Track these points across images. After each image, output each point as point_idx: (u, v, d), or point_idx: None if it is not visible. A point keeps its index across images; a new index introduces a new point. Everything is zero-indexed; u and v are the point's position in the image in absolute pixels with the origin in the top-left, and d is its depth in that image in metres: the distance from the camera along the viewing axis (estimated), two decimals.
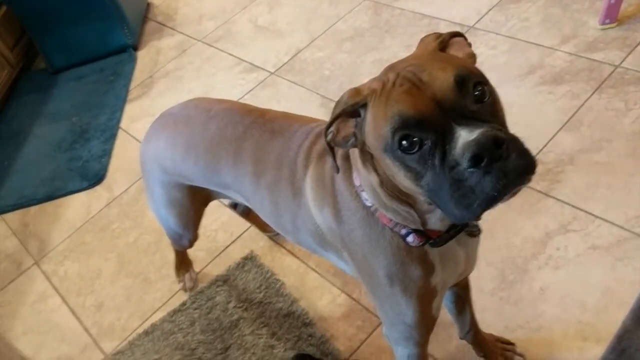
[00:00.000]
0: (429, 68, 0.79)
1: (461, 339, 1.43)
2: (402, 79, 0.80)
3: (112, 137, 2.65)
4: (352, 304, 1.69)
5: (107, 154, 2.57)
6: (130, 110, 2.80)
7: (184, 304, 1.83)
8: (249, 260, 1.89)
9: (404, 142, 0.77)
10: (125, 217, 2.23)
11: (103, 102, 2.91)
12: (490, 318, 1.51)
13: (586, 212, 1.67)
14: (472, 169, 0.73)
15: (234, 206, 1.89)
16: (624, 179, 1.71)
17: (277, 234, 1.90)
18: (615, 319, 1.42)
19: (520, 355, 1.43)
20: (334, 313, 1.68)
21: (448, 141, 0.75)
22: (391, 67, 0.85)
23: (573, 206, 1.69)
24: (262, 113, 1.28)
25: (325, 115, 2.29)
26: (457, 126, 0.75)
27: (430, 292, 1.04)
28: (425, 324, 1.11)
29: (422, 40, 0.91)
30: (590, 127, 1.88)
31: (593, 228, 1.63)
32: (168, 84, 2.88)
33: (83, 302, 1.98)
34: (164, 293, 1.91)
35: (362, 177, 0.95)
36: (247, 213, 1.90)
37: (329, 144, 0.90)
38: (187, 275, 1.89)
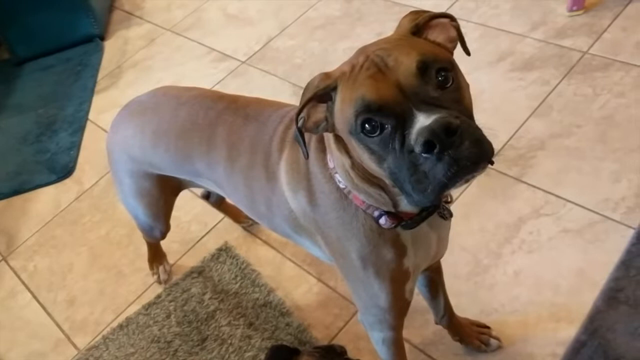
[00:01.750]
0: (395, 52, 0.81)
1: (436, 324, 1.44)
2: (370, 62, 0.81)
3: (80, 129, 2.60)
4: (329, 293, 1.69)
5: (75, 146, 2.51)
6: (99, 102, 2.74)
7: (159, 296, 1.81)
8: (224, 251, 1.87)
9: (366, 126, 0.79)
10: (96, 210, 2.19)
11: (70, 93, 2.85)
12: (466, 302, 1.53)
13: (557, 196, 1.69)
14: (425, 155, 0.74)
15: (207, 196, 1.87)
16: (594, 163, 1.74)
17: (252, 224, 1.89)
18: (587, 300, 1.45)
19: (496, 338, 1.45)
20: (311, 302, 1.68)
21: (407, 126, 0.76)
22: (363, 50, 0.86)
23: (545, 191, 1.72)
24: (235, 99, 1.27)
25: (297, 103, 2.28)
26: (417, 111, 0.76)
27: (403, 275, 1.05)
28: (399, 306, 1.12)
29: (402, 18, 0.91)
30: (561, 113, 1.91)
31: (564, 212, 1.65)
32: (137, 74, 2.82)
33: (54, 298, 1.94)
34: (138, 286, 1.88)
35: (335, 158, 0.95)
36: (219, 203, 1.88)
37: (299, 129, 0.90)
38: (160, 268, 1.87)
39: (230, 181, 1.23)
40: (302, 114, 0.89)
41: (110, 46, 3.10)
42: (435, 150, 0.73)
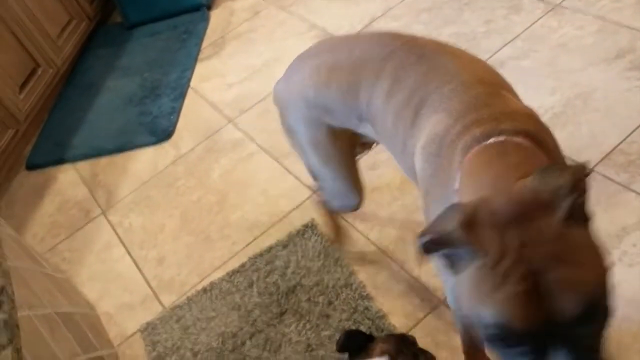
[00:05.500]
0: (560, 272, 0.66)
1: None
2: (526, 270, 0.66)
3: (181, 95, 2.69)
4: (412, 282, 1.66)
5: (175, 111, 2.60)
6: (201, 70, 2.82)
7: (243, 265, 1.85)
8: (310, 228, 1.88)
9: (495, 339, 0.70)
10: (191, 176, 2.26)
11: (174, 59, 2.95)
12: None
13: None
14: None
15: None
16: None
17: None
18: None
19: None
20: (392, 289, 1.67)
21: (541, 354, 0.67)
22: (518, 220, 0.69)
23: None
24: (414, 38, 1.20)
25: None
26: (558, 344, 0.66)
27: None
28: None
29: (534, 176, 0.73)
30: None
31: None
32: (239, 45, 2.87)
33: (146, 255, 2.03)
34: (223, 253, 1.93)
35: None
36: None
37: (423, 247, 0.76)
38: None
39: (382, 115, 1.17)
40: (427, 237, 0.75)
41: (215, 16, 3.18)
42: None
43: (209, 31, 3.07)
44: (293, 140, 1.46)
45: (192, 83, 2.75)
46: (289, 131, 1.45)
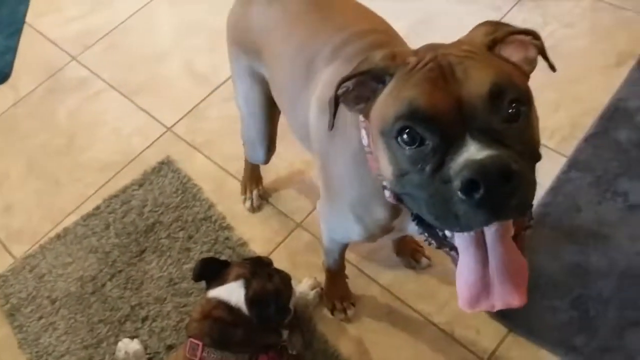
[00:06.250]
0: (468, 64, 0.69)
1: None
2: (435, 64, 0.70)
3: (16, 32, 2.45)
4: (269, 208, 1.71)
5: (11, 50, 2.38)
6: (37, 3, 2.58)
7: (97, 207, 1.79)
8: (165, 164, 1.85)
9: (404, 135, 0.69)
10: (33, 118, 2.11)
11: None
12: None
13: None
14: (462, 196, 0.62)
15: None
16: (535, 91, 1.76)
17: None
18: None
19: (427, 257, 1.50)
20: (251, 217, 1.70)
21: (452, 151, 0.65)
22: (431, 47, 0.75)
23: None
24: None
25: None
26: (470, 139, 0.65)
27: (386, 230, 1.03)
28: (364, 241, 1.12)
29: (475, 27, 0.80)
30: None
31: None
32: None
33: None
34: (76, 197, 1.85)
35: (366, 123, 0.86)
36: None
37: (337, 97, 0.80)
38: (254, 192, 1.70)
39: (277, 63, 1.16)
40: (348, 83, 0.79)
41: None
42: (477, 195, 0.61)
43: None
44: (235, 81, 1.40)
45: (28, 19, 2.51)
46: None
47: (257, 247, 1.63)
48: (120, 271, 1.64)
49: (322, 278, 1.48)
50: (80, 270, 1.67)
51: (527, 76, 0.77)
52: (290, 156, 1.77)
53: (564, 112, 1.70)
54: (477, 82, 0.67)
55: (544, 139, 1.63)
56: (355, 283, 1.50)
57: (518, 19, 1.95)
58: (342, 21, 1.10)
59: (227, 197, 1.75)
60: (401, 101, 0.69)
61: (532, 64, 0.77)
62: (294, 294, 1.34)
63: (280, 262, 1.55)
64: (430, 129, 0.67)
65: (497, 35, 0.75)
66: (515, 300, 0.70)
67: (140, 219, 1.74)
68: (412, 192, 0.71)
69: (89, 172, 1.89)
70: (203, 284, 1.33)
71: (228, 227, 1.68)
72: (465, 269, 0.73)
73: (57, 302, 1.63)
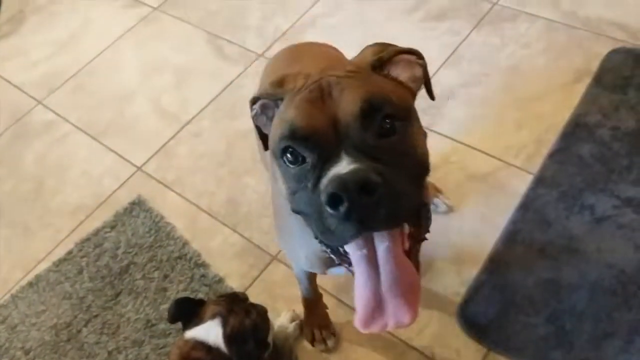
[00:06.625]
0: (345, 84, 0.73)
1: None
2: (317, 85, 0.74)
3: None
4: (244, 243, 1.70)
5: None
6: (1, 48, 2.57)
7: (70, 252, 1.76)
8: (137, 204, 1.83)
9: (287, 154, 0.73)
10: (0, 164, 2.08)
11: None
12: None
13: (465, 144, 1.75)
14: (330, 210, 0.64)
15: None
16: (499, 111, 1.80)
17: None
18: (490, 241, 1.53)
19: None
20: (226, 253, 1.69)
21: (327, 167, 0.68)
22: (324, 69, 0.79)
23: (453, 139, 1.77)
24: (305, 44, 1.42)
25: (212, 54, 2.22)
26: (344, 154, 0.67)
27: (325, 260, 1.00)
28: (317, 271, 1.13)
29: (365, 48, 0.84)
30: (470, 63, 1.96)
31: (470, 159, 1.72)
32: (41, 19, 2.65)
33: None
34: (47, 243, 1.82)
35: None
36: None
37: (253, 119, 0.86)
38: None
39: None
40: (255, 106, 0.84)
41: None
42: (342, 208, 0.63)
43: (3, 6, 2.79)
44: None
45: None
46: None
47: (234, 283, 1.62)
48: (95, 316, 1.62)
49: (301, 310, 1.47)
50: (54, 318, 1.64)
51: (413, 93, 0.81)
52: (261, 188, 1.77)
53: (528, 130, 1.74)
54: (349, 101, 0.71)
55: (510, 157, 1.69)
56: (336, 313, 1.50)
57: (477, 42, 2.00)
58: (299, 67, 1.14)
59: (201, 233, 1.74)
60: (284, 122, 0.73)
61: (418, 81, 0.82)
62: (272, 327, 1.33)
63: (258, 296, 1.54)
64: (309, 147, 0.70)
65: (383, 55, 0.80)
66: (406, 318, 0.70)
67: (114, 261, 1.72)
68: (303, 210, 0.73)
69: (59, 217, 1.87)
70: (180, 324, 1.32)
71: (203, 264, 1.67)
72: (358, 286, 0.73)
73: (31, 352, 1.59)
